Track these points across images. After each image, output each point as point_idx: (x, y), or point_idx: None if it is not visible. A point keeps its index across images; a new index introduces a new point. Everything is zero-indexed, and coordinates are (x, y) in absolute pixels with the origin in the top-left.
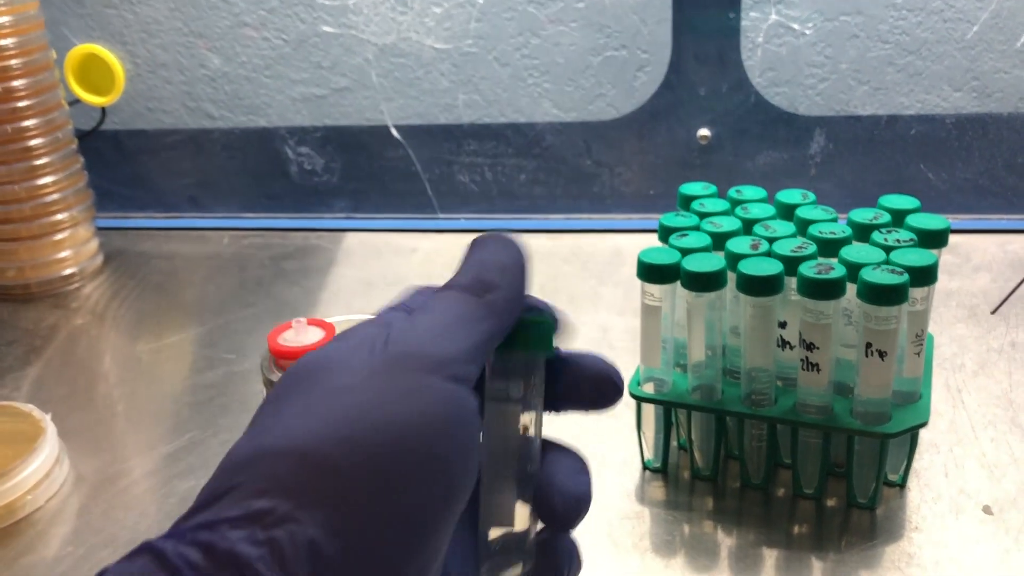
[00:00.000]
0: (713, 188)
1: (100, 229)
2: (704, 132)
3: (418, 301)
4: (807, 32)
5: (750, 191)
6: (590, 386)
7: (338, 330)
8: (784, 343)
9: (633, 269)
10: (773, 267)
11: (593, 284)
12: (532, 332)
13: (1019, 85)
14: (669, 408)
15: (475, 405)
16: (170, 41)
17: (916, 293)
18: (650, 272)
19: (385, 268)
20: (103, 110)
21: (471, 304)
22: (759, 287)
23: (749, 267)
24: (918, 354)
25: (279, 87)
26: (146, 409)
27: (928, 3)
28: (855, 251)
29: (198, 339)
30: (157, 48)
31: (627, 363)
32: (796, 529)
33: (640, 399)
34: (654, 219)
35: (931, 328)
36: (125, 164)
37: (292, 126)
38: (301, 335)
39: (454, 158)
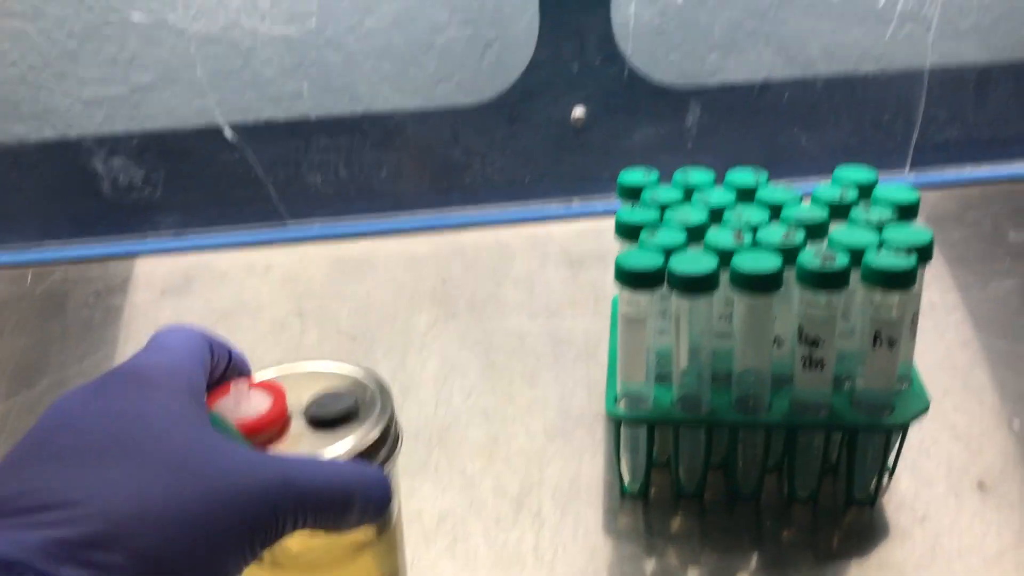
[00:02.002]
0: (656, 174)
1: None
2: (578, 112)
3: None
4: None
5: (697, 175)
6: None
7: (289, 390)
8: (776, 340)
9: (526, 263)
10: (771, 261)
11: (490, 286)
12: None
13: (859, 45)
14: (652, 428)
15: None
16: None
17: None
18: (636, 279)
19: (239, 292)
20: None
21: None
22: (760, 284)
23: (745, 263)
24: (913, 336)
25: (71, 88)
26: None
27: None
28: (846, 234)
29: (27, 408)
30: None
31: (559, 374)
32: (786, 535)
33: (622, 421)
34: (532, 207)
35: None
36: None
37: (101, 135)
38: (243, 403)
39: (301, 157)
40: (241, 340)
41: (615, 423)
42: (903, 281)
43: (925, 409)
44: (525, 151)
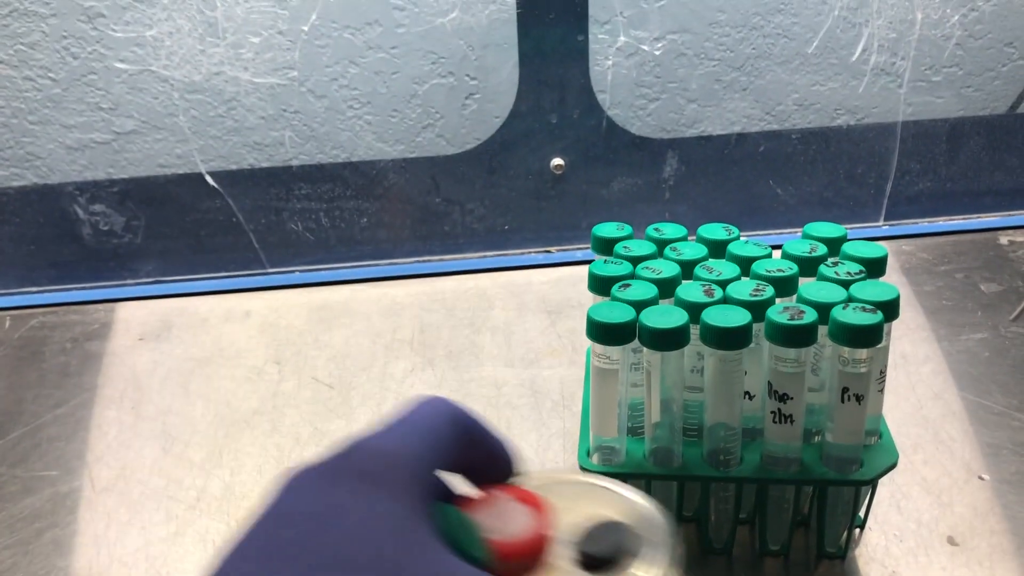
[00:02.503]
0: (628, 228)
1: None
2: (558, 161)
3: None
4: (656, 53)
5: (670, 229)
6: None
7: (555, 500)
8: (746, 394)
9: (504, 311)
10: (740, 317)
11: (467, 333)
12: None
13: (833, 97)
14: (624, 480)
15: None
16: None
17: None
18: (607, 333)
19: (218, 339)
20: None
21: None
22: (730, 339)
23: (715, 318)
24: (881, 391)
25: (54, 134)
26: None
27: (748, 20)
28: (813, 289)
29: (2, 457)
30: None
31: (535, 424)
32: None
33: (593, 472)
34: (510, 255)
35: None
36: None
37: (82, 180)
38: (500, 520)
39: (283, 204)
40: (219, 387)
41: None
42: (869, 338)
43: (894, 464)
44: (504, 200)
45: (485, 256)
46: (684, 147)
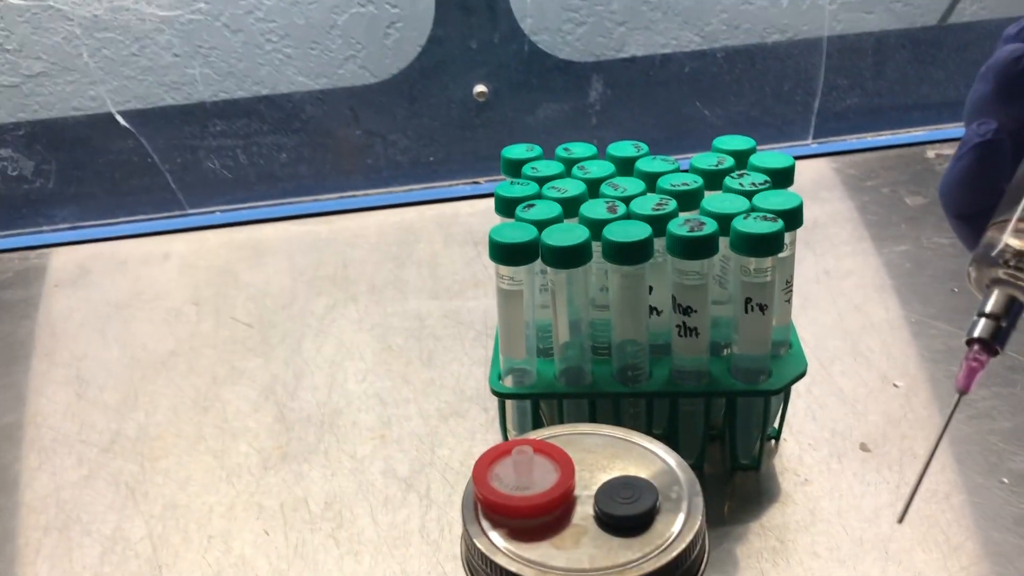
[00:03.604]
0: (538, 149)
1: None
2: (481, 88)
3: None
4: None
5: (579, 148)
6: None
7: (571, 453)
8: (652, 310)
9: (430, 244)
10: (641, 230)
11: (391, 268)
12: None
13: (762, 16)
14: (536, 402)
15: None
16: None
17: (785, 238)
18: (508, 253)
19: (136, 282)
20: None
21: None
22: (630, 254)
23: (615, 233)
24: (788, 301)
25: None
26: None
27: None
28: (716, 201)
29: None
30: None
31: (458, 355)
32: None
33: (506, 396)
34: (437, 188)
35: None
36: None
37: None
38: (524, 475)
39: (198, 143)
40: (135, 331)
41: (500, 399)
42: (769, 246)
43: (802, 374)
44: (428, 130)
45: (411, 189)
46: (609, 70)
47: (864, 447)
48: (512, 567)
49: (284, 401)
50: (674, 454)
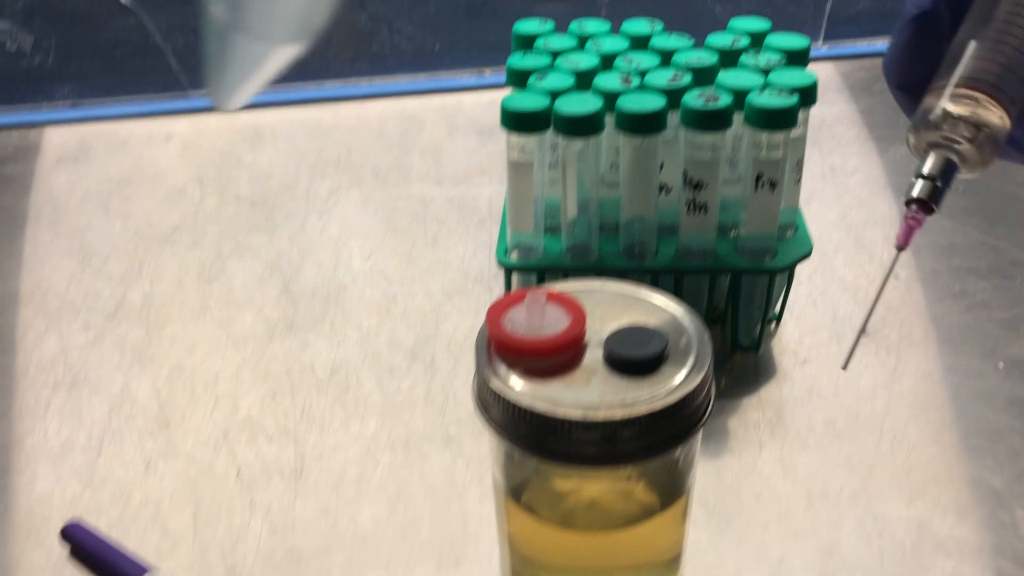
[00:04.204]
0: (551, 23)
1: None
2: None
3: None
4: None
5: (592, 24)
6: None
7: (584, 303)
8: (662, 187)
9: (434, 133)
10: (655, 101)
11: (396, 155)
12: None
13: None
14: (542, 276)
15: None
16: None
17: (799, 117)
18: (519, 120)
19: (138, 160)
20: None
21: None
22: (643, 124)
23: (629, 103)
24: (797, 182)
25: None
26: None
27: None
28: (732, 76)
29: None
30: None
31: (462, 237)
32: None
33: (512, 268)
34: (442, 77)
35: None
36: None
37: None
38: (536, 318)
39: (201, 23)
40: (138, 207)
41: (506, 273)
42: (783, 120)
43: (808, 253)
44: (434, 18)
45: (415, 78)
46: None
47: (863, 332)
48: (523, 401)
49: (290, 276)
50: (684, 306)
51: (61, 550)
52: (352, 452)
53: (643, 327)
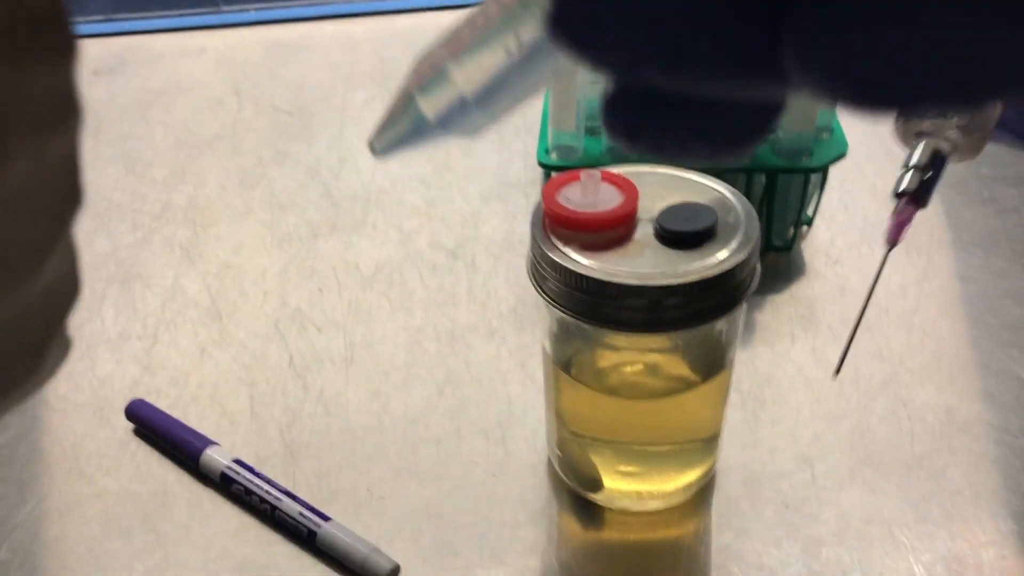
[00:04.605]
0: None
1: None
2: None
3: None
4: None
5: None
6: None
7: (643, 191)
8: None
9: None
10: None
11: None
12: None
13: None
14: None
15: None
16: None
17: None
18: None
19: (174, 72)
20: None
21: None
22: None
23: None
24: None
25: None
26: None
27: None
28: None
29: None
30: None
31: (498, 146)
32: None
33: (552, 168)
34: None
35: None
36: None
37: None
38: (591, 195)
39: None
40: (177, 116)
41: (545, 173)
42: None
43: (842, 154)
44: None
45: None
46: None
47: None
48: (577, 269)
49: (330, 181)
50: (731, 188)
51: (125, 428)
52: (400, 341)
53: (693, 204)
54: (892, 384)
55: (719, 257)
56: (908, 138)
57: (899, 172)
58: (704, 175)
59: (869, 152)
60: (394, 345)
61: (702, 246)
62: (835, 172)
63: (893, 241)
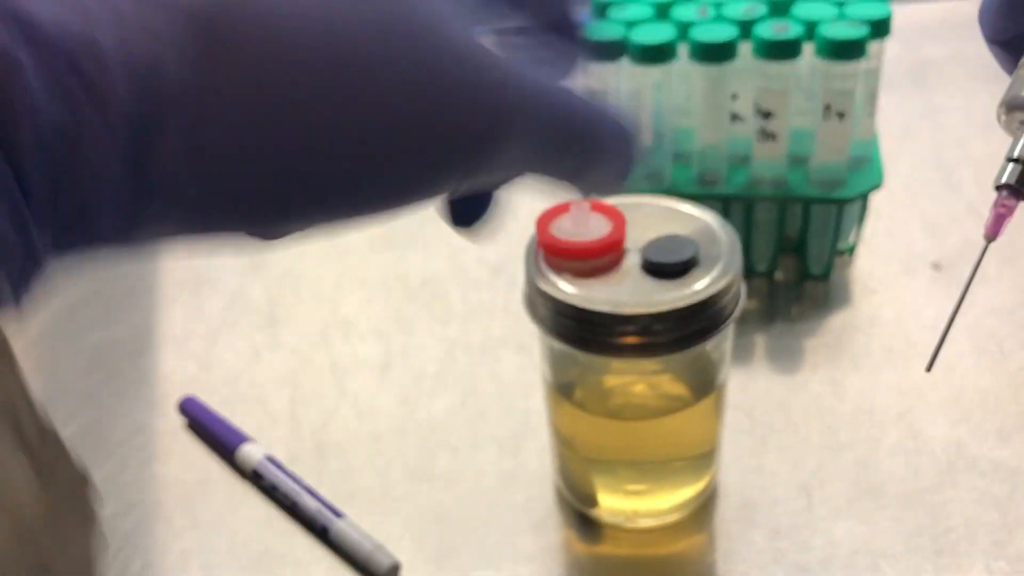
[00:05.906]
0: None
1: None
2: None
3: None
4: None
5: None
6: None
7: (626, 215)
8: (735, 117)
9: None
10: (727, 31)
11: None
12: None
13: None
14: None
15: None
16: None
17: (871, 48)
18: (596, 51)
19: None
20: None
21: None
22: (714, 53)
23: (702, 33)
24: (871, 115)
25: None
26: None
27: None
28: (807, 8)
29: None
30: None
31: None
32: (749, 305)
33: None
34: None
35: None
36: None
37: None
38: (581, 225)
39: None
40: None
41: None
42: (851, 51)
43: (877, 186)
44: None
45: None
46: None
47: (936, 266)
48: (567, 298)
49: None
50: (720, 219)
51: (178, 421)
52: (434, 352)
53: (677, 236)
54: (907, 417)
55: (698, 286)
56: (1013, 128)
57: (1003, 164)
58: (695, 206)
59: (924, 182)
60: (428, 355)
61: (686, 275)
62: (883, 199)
63: (992, 235)
